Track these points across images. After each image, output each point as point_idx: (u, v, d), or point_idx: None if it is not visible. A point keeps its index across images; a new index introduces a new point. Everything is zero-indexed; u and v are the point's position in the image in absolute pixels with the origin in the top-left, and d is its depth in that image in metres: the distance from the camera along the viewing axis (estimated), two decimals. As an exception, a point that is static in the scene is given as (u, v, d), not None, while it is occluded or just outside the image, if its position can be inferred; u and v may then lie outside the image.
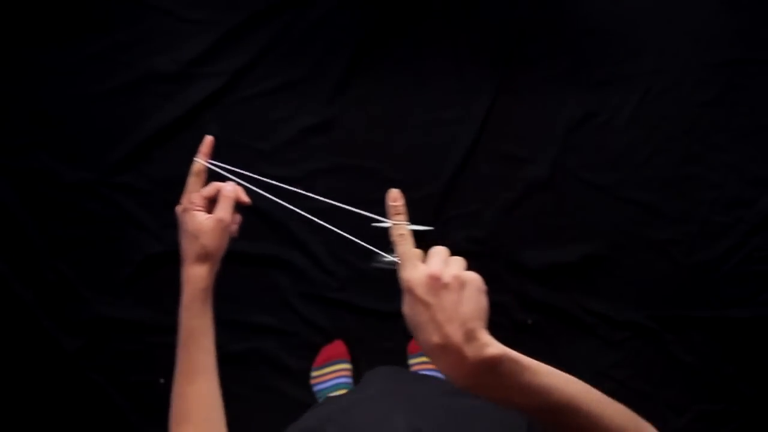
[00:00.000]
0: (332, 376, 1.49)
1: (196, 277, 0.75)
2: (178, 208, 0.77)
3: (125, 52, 1.61)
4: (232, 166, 1.48)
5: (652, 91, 1.60)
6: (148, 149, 1.59)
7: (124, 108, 1.60)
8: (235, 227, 0.79)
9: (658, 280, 1.57)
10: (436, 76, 1.62)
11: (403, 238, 0.58)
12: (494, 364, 0.51)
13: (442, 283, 0.53)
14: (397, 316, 1.77)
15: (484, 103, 1.59)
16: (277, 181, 1.71)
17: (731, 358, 1.54)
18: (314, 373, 1.52)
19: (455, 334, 0.51)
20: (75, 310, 1.56)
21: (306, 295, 1.55)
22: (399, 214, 0.60)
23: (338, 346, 1.54)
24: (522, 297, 1.55)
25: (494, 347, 0.52)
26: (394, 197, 0.61)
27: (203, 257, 0.75)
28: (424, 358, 1.52)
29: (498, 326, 1.75)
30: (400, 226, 0.59)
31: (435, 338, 0.52)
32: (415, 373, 1.03)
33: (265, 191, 0.80)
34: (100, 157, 1.59)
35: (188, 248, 0.76)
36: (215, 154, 1.73)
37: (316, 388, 1.50)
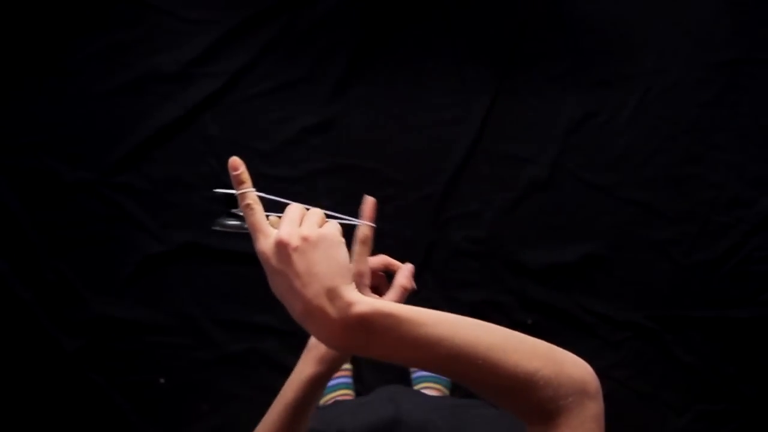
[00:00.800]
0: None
1: (340, 356, 0.64)
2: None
3: (125, 52, 1.61)
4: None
5: (652, 91, 1.60)
6: (148, 149, 1.59)
7: (124, 108, 1.60)
8: None
9: (658, 280, 1.56)
10: (436, 76, 1.62)
11: (250, 209, 0.53)
12: (365, 321, 0.47)
13: (292, 247, 0.49)
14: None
15: (484, 103, 1.59)
16: (277, 181, 1.72)
17: (731, 358, 1.54)
18: (314, 373, 1.51)
19: (316, 297, 0.47)
20: (75, 310, 1.56)
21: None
22: (242, 183, 0.55)
23: (338, 346, 1.53)
24: (522, 297, 1.55)
25: (362, 304, 0.47)
26: (235, 166, 0.56)
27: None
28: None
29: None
30: (245, 195, 0.54)
31: (298, 306, 0.48)
32: (425, 394, 1.03)
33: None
34: (100, 157, 1.59)
35: None
36: (215, 154, 1.73)
37: (316, 388, 1.50)
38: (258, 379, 1.54)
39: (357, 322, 0.47)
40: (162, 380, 1.55)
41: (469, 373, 0.50)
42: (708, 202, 1.58)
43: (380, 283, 0.68)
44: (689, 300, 1.56)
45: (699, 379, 1.55)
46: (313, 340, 0.64)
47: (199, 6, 1.62)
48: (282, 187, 1.57)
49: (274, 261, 0.50)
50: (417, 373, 1.51)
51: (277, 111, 1.61)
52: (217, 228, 0.61)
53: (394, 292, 0.65)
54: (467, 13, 1.62)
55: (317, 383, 0.64)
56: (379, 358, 0.49)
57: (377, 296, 0.65)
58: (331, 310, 0.47)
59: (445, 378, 1.51)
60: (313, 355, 0.64)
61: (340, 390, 1.47)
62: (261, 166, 1.58)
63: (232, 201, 0.58)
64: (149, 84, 1.60)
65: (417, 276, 1.78)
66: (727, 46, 1.61)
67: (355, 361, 1.54)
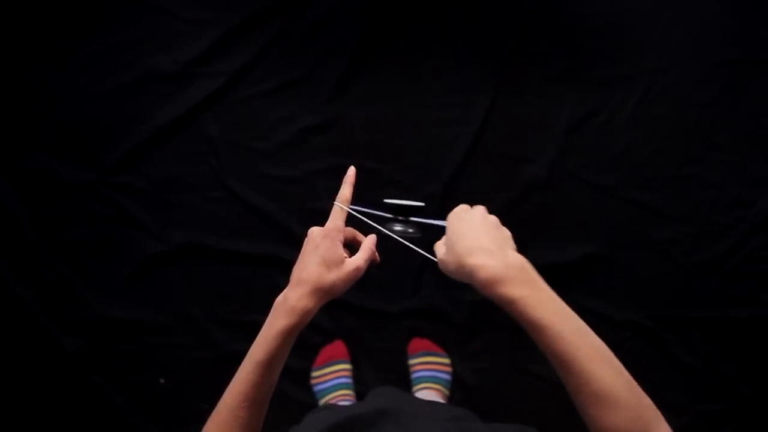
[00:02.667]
0: (332, 376, 1.49)
1: (306, 309, 0.67)
2: (316, 233, 0.70)
3: (125, 52, 1.61)
4: (233, 166, 1.50)
5: (652, 91, 1.60)
6: (148, 149, 1.59)
7: (124, 108, 1.60)
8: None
9: (658, 280, 1.57)
10: (436, 76, 1.62)
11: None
12: (525, 264, 0.64)
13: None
14: (397, 316, 1.78)
15: (484, 103, 1.59)
16: (277, 181, 1.72)
17: (731, 358, 1.54)
18: (314, 373, 1.52)
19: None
20: (75, 310, 1.56)
21: (306, 295, 1.55)
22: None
23: (338, 347, 1.54)
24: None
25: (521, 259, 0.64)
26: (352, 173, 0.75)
27: (324, 292, 0.68)
28: (423, 359, 1.52)
29: (498, 326, 1.75)
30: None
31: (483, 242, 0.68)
32: (420, 399, 1.02)
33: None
34: (100, 157, 1.59)
35: (314, 274, 0.67)
36: (215, 154, 1.73)
37: (316, 389, 1.50)
38: (258, 379, 1.54)
39: (519, 261, 0.64)
40: (162, 380, 1.55)
41: (566, 370, 0.60)
42: (708, 202, 1.58)
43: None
44: (689, 300, 1.56)
45: (699, 379, 1.55)
46: (279, 298, 0.67)
47: (199, 6, 1.62)
48: (282, 187, 1.57)
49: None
50: (417, 374, 1.51)
51: (277, 111, 1.61)
52: (389, 233, 0.73)
53: (363, 251, 0.72)
54: (467, 13, 1.62)
55: (289, 336, 0.66)
56: (505, 301, 0.61)
57: (351, 257, 0.71)
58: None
59: (445, 378, 1.51)
60: (282, 309, 0.66)
61: (340, 390, 1.47)
62: (261, 166, 1.58)
63: (401, 209, 0.73)
64: (149, 84, 1.60)
65: (417, 276, 1.78)
66: (727, 46, 1.61)
67: (355, 362, 1.54)
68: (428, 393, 1.46)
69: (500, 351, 1.56)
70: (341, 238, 0.71)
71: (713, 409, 1.54)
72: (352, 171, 0.76)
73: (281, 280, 1.69)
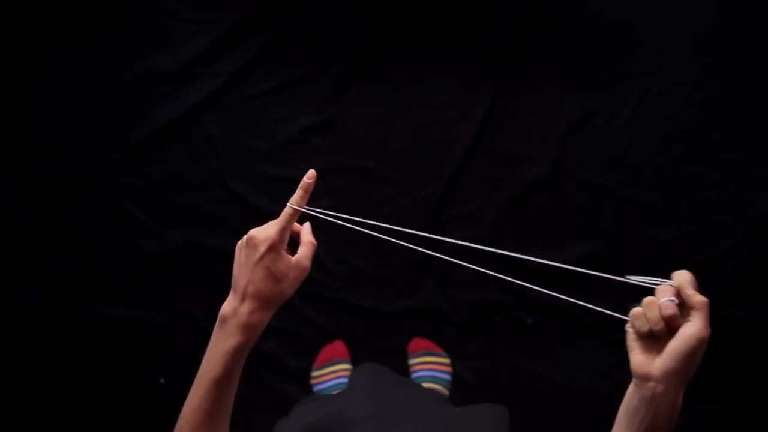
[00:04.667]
0: (332, 376, 1.49)
1: (261, 324, 0.66)
2: (259, 241, 0.65)
3: (125, 52, 1.61)
4: (233, 166, 1.50)
5: (652, 91, 1.60)
6: (148, 149, 1.59)
7: (124, 108, 1.60)
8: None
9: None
10: (436, 76, 1.62)
11: None
12: None
13: None
14: (397, 316, 1.78)
15: (484, 103, 1.59)
16: (277, 181, 1.72)
17: (731, 358, 1.54)
18: (314, 373, 1.52)
19: None
20: (75, 310, 1.56)
21: (306, 295, 1.55)
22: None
23: (338, 346, 1.54)
24: (522, 297, 1.55)
25: None
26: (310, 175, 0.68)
27: (276, 303, 0.67)
28: (423, 359, 1.52)
29: (498, 326, 1.76)
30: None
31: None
32: (398, 376, 1.03)
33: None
34: (100, 157, 1.59)
35: (263, 288, 0.65)
36: (216, 155, 1.73)
37: (316, 388, 1.50)
38: (258, 379, 1.54)
39: None
40: (162, 380, 1.55)
41: None
42: (708, 202, 1.58)
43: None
44: (689, 300, 1.56)
45: (699, 379, 1.54)
46: (227, 311, 0.65)
47: (199, 6, 1.62)
48: (282, 187, 1.57)
49: None
50: (416, 373, 1.51)
51: (277, 111, 1.61)
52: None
53: (305, 247, 0.70)
54: (467, 13, 1.62)
55: (245, 351, 0.65)
56: None
57: (292, 254, 0.69)
58: None
59: (444, 378, 1.51)
60: (235, 325, 0.64)
61: (338, 391, 1.47)
62: (261, 166, 1.58)
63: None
64: (149, 84, 1.60)
65: (417, 276, 1.78)
66: (727, 46, 1.61)
67: (355, 362, 1.54)
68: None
69: (500, 351, 1.56)
70: (285, 245, 0.67)
71: (713, 409, 1.54)
72: (311, 176, 0.69)
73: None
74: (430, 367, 1.51)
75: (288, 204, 0.68)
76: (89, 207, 1.58)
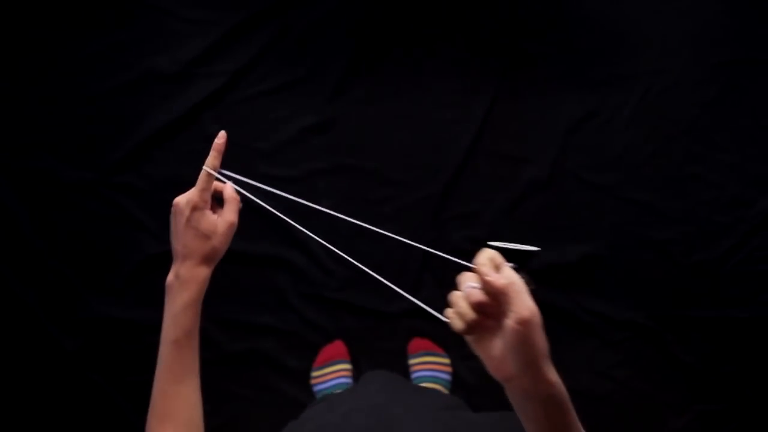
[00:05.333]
0: (332, 376, 1.49)
1: (202, 277, 0.71)
2: (183, 205, 0.71)
3: (125, 52, 1.61)
4: (233, 166, 1.48)
5: (652, 91, 1.60)
6: (148, 149, 1.59)
7: (124, 108, 1.60)
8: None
9: (658, 280, 1.56)
10: (436, 76, 1.62)
11: None
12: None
13: None
14: (397, 316, 1.78)
15: (484, 103, 1.59)
16: (277, 181, 1.71)
17: (731, 358, 1.54)
18: (314, 373, 1.52)
19: None
20: (75, 310, 1.56)
21: (306, 295, 1.55)
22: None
23: (338, 346, 1.54)
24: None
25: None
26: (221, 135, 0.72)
27: (212, 258, 0.72)
28: (423, 359, 1.52)
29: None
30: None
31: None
32: (414, 385, 1.03)
33: (272, 198, 0.78)
34: (100, 157, 1.59)
35: (196, 248, 0.70)
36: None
37: (316, 388, 1.50)
38: (258, 379, 1.54)
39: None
40: (162, 380, 1.55)
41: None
42: (708, 202, 1.58)
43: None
44: (689, 300, 1.56)
45: (699, 379, 1.55)
46: (170, 278, 0.70)
47: (199, 6, 1.62)
48: (282, 187, 1.57)
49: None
50: (417, 374, 1.52)
51: (277, 111, 1.61)
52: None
53: (229, 204, 0.74)
54: (467, 13, 1.62)
55: (195, 305, 0.71)
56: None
57: (222, 217, 0.72)
58: None
59: (445, 378, 1.51)
60: (179, 285, 0.69)
61: (340, 390, 1.47)
62: (261, 166, 1.58)
63: (515, 256, 0.61)
64: (149, 84, 1.60)
65: (417, 276, 1.77)
66: (727, 46, 1.61)
67: (355, 362, 1.54)
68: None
69: (500, 351, 1.55)
70: (208, 205, 0.72)
71: (713, 409, 1.54)
72: (221, 136, 0.73)
73: (281, 280, 1.70)
74: (430, 367, 1.51)
75: (203, 167, 0.71)
76: (89, 207, 1.58)
